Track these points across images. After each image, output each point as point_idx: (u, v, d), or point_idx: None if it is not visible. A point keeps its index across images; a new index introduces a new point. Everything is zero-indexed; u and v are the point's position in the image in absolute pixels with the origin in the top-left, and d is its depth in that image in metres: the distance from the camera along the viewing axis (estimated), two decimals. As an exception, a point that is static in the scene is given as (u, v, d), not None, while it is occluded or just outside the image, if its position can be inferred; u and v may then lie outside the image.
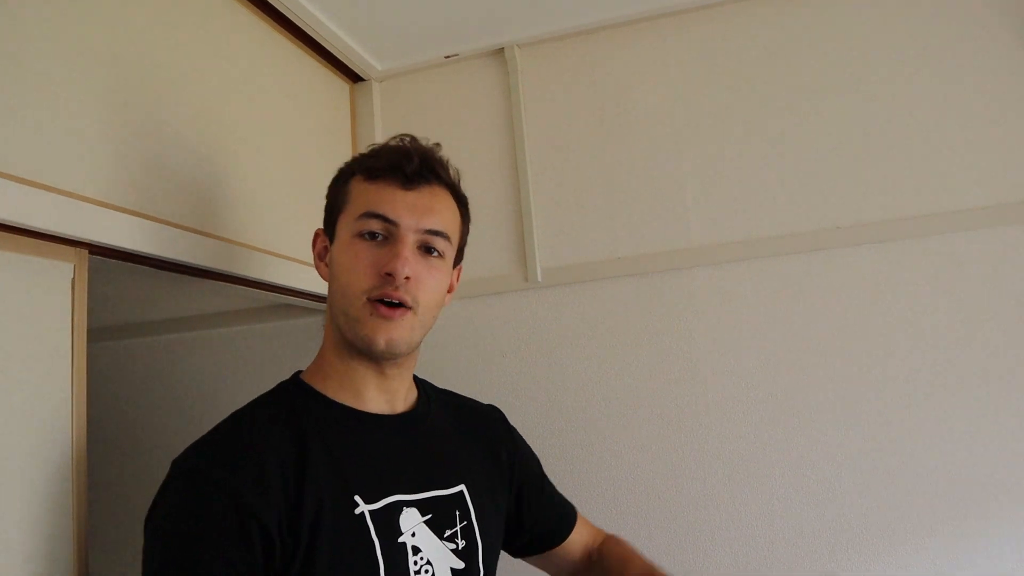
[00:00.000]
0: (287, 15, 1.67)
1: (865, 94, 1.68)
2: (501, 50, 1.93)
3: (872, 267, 1.61)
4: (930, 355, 1.56)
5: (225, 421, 1.01)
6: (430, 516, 1.03)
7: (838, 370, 1.59)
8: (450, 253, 1.10)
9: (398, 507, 1.00)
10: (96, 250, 1.12)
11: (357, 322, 1.02)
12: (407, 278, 1.00)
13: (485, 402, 1.34)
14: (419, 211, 1.04)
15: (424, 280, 1.04)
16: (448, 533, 1.04)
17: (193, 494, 0.90)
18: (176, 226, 1.28)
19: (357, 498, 0.96)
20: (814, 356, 1.61)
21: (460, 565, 1.05)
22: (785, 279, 1.64)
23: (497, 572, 1.16)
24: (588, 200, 1.81)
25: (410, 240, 1.03)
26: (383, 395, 1.09)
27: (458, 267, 1.18)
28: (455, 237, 1.11)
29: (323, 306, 1.84)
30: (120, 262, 1.17)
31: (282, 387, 1.09)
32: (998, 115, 1.59)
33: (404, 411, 1.12)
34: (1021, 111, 1.58)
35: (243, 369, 2.07)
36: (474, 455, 1.18)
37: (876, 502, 1.53)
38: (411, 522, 1.00)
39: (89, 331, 1.11)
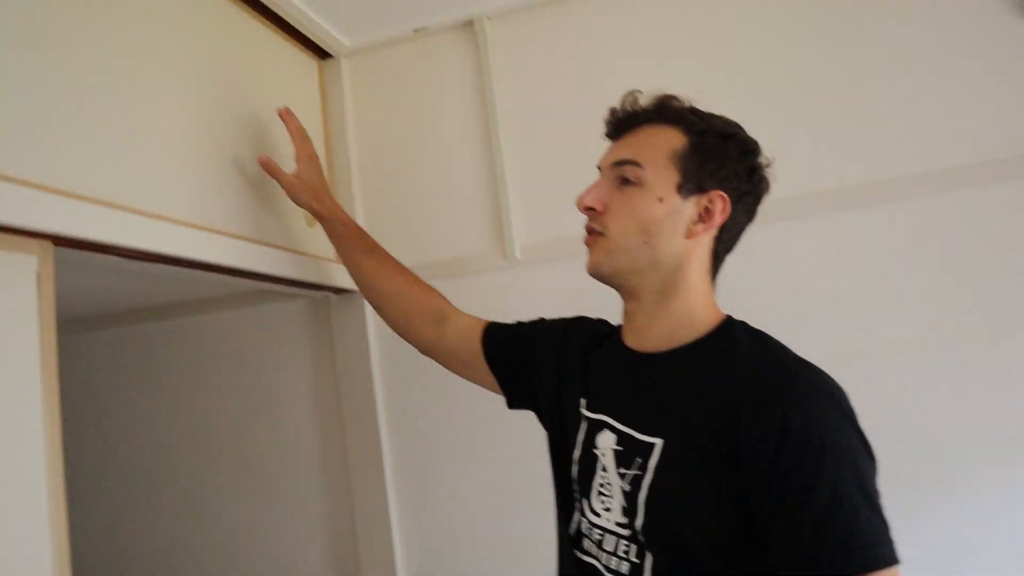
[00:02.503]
0: None
1: (842, 56, 1.66)
2: (471, 22, 1.90)
3: (854, 231, 1.61)
4: (914, 318, 1.56)
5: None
6: (621, 449, 1.08)
7: (823, 336, 1.58)
8: (655, 181, 1.10)
9: (601, 425, 1.12)
10: (61, 241, 1.09)
11: None
12: (591, 208, 1.13)
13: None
14: (612, 153, 1.17)
15: (615, 208, 1.12)
16: (623, 472, 1.06)
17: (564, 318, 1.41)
18: (143, 214, 1.24)
19: (582, 401, 1.19)
20: (796, 324, 1.60)
21: (625, 504, 1.04)
22: (765, 246, 1.63)
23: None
24: (565, 173, 1.76)
25: (604, 177, 1.16)
26: (631, 330, 1.17)
27: (707, 194, 1.09)
28: (662, 163, 1.10)
29: (302, 291, 1.82)
30: (88, 253, 1.13)
31: None
32: (977, 73, 1.58)
33: (650, 351, 1.13)
34: (997, 68, 1.58)
35: (224, 357, 2.04)
36: (703, 419, 1.00)
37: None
38: (606, 443, 1.10)
39: (59, 323, 1.07)
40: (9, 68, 1.06)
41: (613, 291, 1.16)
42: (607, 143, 1.19)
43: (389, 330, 1.54)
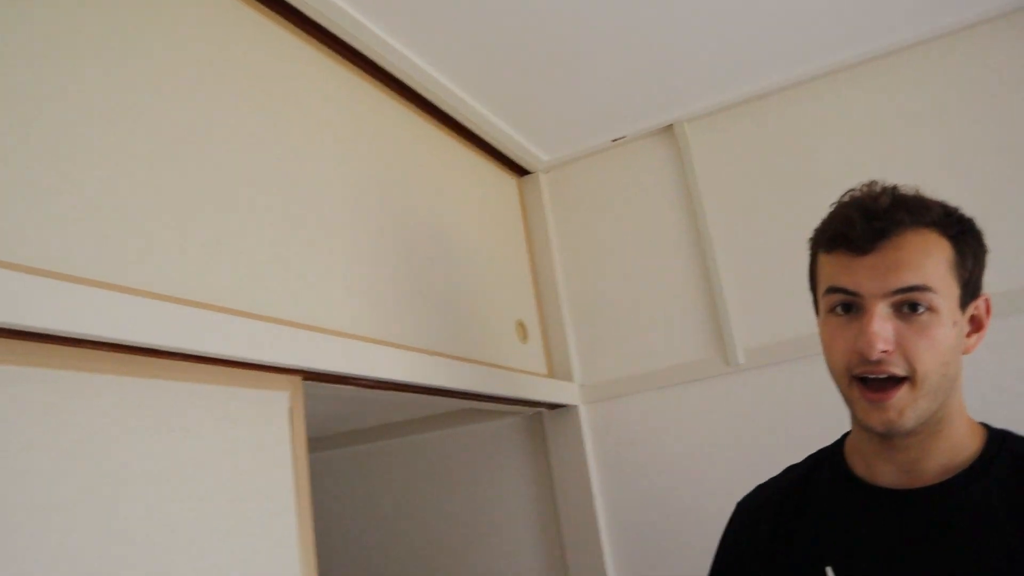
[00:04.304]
0: (450, 113, 1.68)
1: None
2: (670, 126, 1.88)
3: None
4: None
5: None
6: None
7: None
8: (944, 302, 0.93)
9: None
10: (309, 376, 1.11)
11: (851, 402, 0.96)
12: (885, 351, 0.90)
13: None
14: (881, 273, 0.92)
15: (913, 344, 0.91)
16: None
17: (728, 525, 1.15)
18: (376, 342, 1.26)
19: (829, 570, 0.95)
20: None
21: None
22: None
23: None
24: (782, 271, 1.69)
25: (879, 309, 0.92)
26: (893, 467, 0.97)
27: (976, 300, 0.98)
28: (946, 281, 0.94)
29: (515, 408, 1.79)
30: (332, 385, 1.15)
31: (825, 448, 1.10)
32: None
33: (930, 483, 0.95)
34: None
35: (438, 475, 2.03)
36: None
37: None
38: None
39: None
40: (270, 225, 1.12)
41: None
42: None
43: (607, 445, 1.48)
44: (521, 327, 1.81)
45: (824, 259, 0.99)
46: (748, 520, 1.10)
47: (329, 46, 1.39)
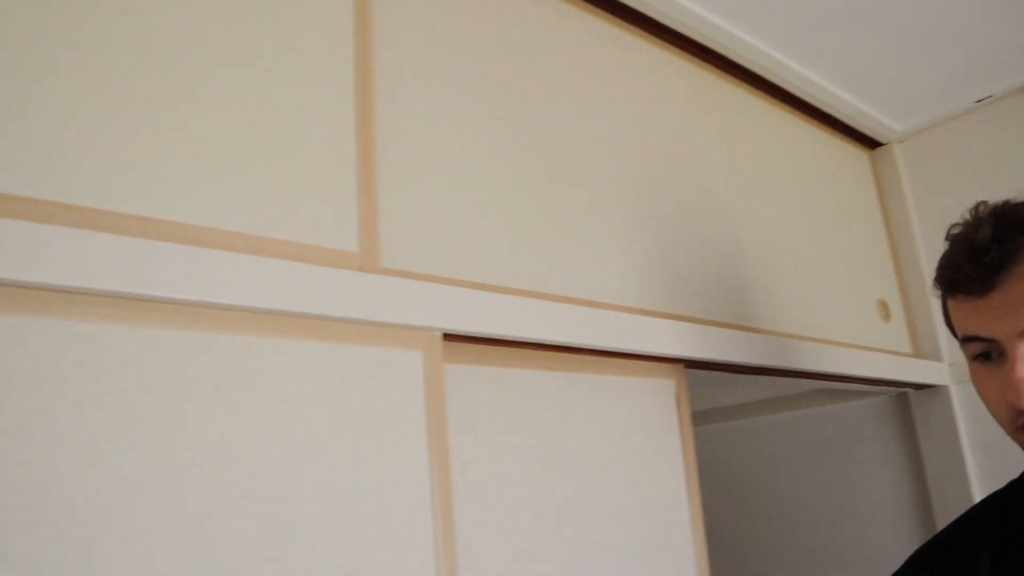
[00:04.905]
0: (788, 88, 1.67)
1: None
2: (1047, 79, 1.71)
3: None
4: None
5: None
6: None
7: None
8: None
9: None
10: (691, 364, 1.21)
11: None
12: None
13: None
14: (1009, 311, 0.84)
15: None
16: None
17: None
18: (744, 329, 1.33)
19: None
20: None
21: None
22: None
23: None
24: None
25: (1020, 352, 0.83)
26: None
27: None
28: None
29: (878, 389, 1.76)
30: (715, 372, 1.24)
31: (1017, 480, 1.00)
32: None
33: None
34: None
35: (797, 456, 2.05)
36: None
37: None
38: None
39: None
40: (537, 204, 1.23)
41: None
42: None
43: (984, 427, 1.39)
44: (883, 306, 1.77)
45: (951, 304, 0.89)
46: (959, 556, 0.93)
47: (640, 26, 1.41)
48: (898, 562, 0.96)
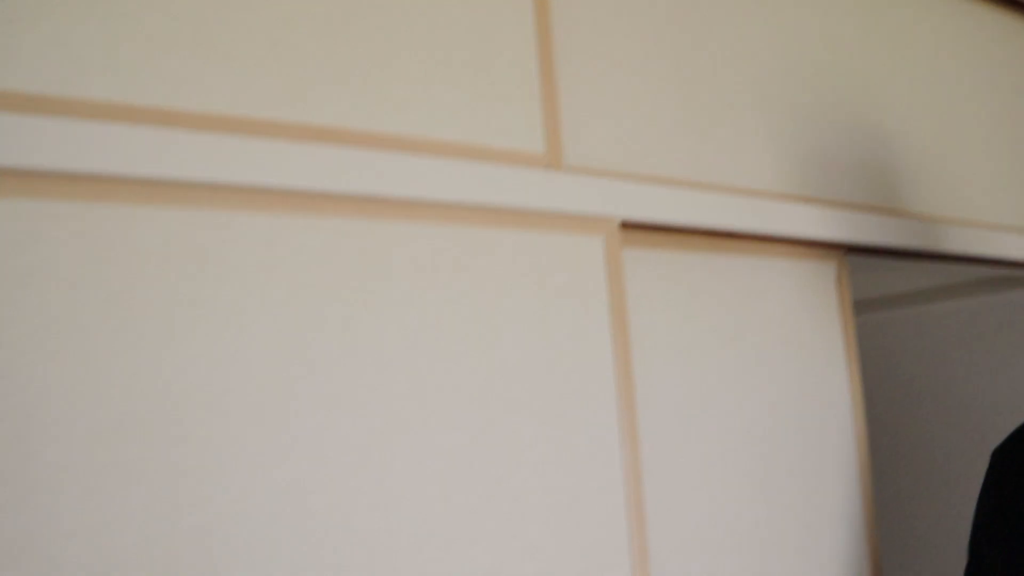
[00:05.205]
0: None
1: None
2: None
3: None
4: None
5: None
6: None
7: None
8: None
9: None
10: (851, 250, 1.27)
11: None
12: None
13: None
14: None
15: None
16: None
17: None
18: (908, 215, 1.36)
19: None
20: None
21: None
22: None
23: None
24: None
25: None
26: None
27: None
28: None
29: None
30: (877, 258, 1.29)
31: None
32: None
33: None
34: None
35: (960, 347, 2.04)
36: None
37: None
38: None
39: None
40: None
41: None
42: None
43: None
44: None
45: None
46: None
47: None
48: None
